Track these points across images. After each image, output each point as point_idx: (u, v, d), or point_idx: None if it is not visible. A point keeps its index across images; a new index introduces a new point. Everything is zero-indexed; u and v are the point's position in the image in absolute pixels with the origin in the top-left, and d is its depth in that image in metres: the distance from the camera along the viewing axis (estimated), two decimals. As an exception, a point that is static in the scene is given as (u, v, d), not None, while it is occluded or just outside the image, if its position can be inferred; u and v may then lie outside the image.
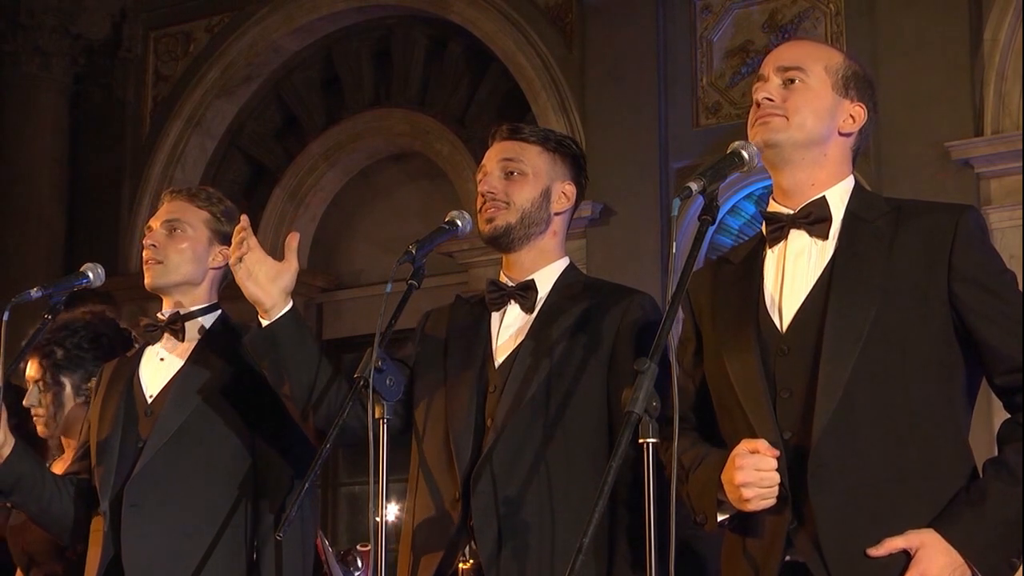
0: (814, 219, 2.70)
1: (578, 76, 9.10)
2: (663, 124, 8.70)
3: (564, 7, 9.28)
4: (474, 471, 3.04)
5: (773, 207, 2.78)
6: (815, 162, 2.73)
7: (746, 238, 9.10)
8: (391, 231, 10.23)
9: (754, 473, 2.54)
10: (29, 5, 10.74)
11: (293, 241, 3.26)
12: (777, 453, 2.55)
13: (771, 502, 2.56)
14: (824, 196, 2.72)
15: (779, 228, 2.74)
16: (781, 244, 2.74)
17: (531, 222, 3.21)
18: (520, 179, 3.21)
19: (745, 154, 2.66)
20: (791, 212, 2.73)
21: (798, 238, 2.72)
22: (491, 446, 3.05)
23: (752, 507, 2.57)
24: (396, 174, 10.73)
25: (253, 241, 3.20)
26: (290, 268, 3.21)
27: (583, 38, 9.13)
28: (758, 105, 2.75)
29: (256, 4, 10.51)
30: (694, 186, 2.54)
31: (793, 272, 2.70)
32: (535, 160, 3.24)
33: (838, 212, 2.71)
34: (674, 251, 2.44)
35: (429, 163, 10.23)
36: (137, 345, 3.82)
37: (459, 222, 3.20)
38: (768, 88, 2.75)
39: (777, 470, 2.55)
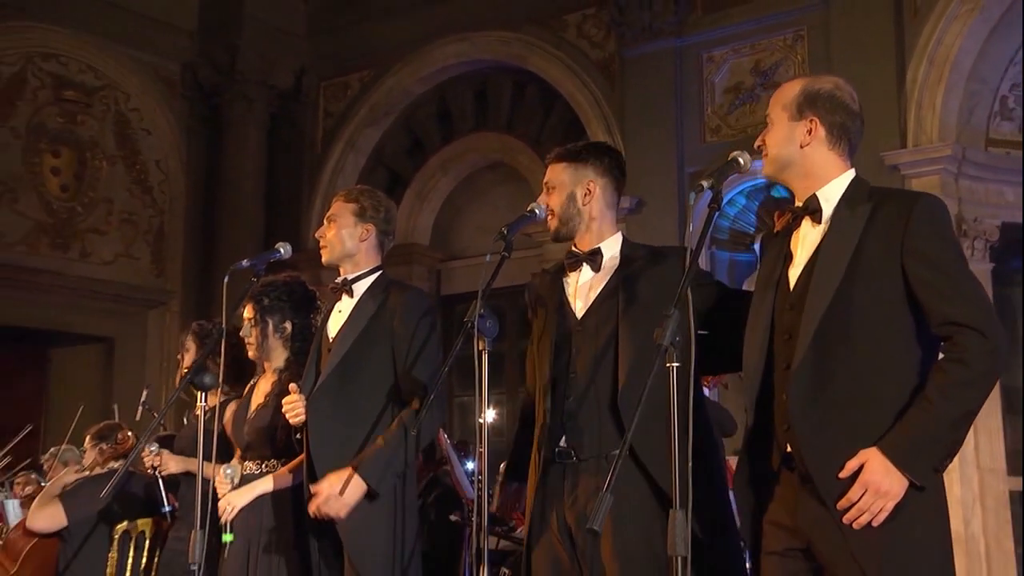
0: (810, 211, 2.62)
1: (619, 108, 9.03)
2: (680, 141, 8.63)
3: (610, 60, 9.21)
4: (566, 388, 3.00)
5: (796, 203, 2.70)
6: (799, 174, 2.64)
7: (740, 222, 9.04)
8: (488, 218, 10.25)
9: None
10: (241, 66, 10.82)
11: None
12: None
13: None
14: (816, 194, 2.62)
15: (795, 218, 2.67)
16: (797, 229, 2.67)
17: (567, 218, 3.12)
18: (552, 192, 3.14)
19: (741, 161, 2.61)
20: (799, 206, 2.66)
21: (806, 224, 2.64)
22: (576, 372, 2.99)
23: None
24: (491, 179, 10.71)
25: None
26: None
27: (623, 82, 9.05)
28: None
29: (392, 60, 10.53)
30: (704, 184, 2.51)
31: (800, 248, 2.64)
32: (559, 175, 3.14)
33: (829, 204, 2.61)
34: (689, 230, 2.42)
35: (514, 171, 10.20)
36: (319, 302, 3.86)
37: (537, 211, 3.14)
38: (762, 134, 2.69)
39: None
